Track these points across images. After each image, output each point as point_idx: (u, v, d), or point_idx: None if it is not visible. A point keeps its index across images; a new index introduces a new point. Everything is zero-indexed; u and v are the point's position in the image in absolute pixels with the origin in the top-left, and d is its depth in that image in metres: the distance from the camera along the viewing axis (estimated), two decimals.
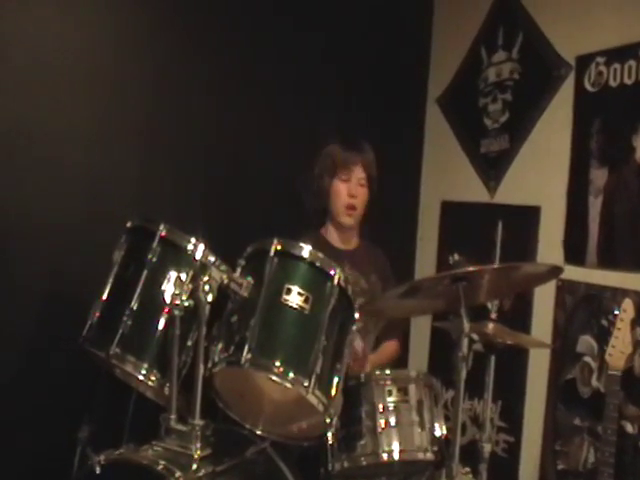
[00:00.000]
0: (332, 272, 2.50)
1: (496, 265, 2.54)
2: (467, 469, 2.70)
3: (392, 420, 2.66)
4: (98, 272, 2.64)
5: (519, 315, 3.60)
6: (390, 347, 3.39)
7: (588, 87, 3.40)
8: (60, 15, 3.24)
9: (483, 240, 3.80)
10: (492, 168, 3.91)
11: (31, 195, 3.16)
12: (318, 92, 3.85)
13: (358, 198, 3.26)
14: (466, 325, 2.42)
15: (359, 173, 3.25)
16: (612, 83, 3.28)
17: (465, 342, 2.42)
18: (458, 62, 4.16)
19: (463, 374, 2.41)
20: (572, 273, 3.33)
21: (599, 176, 3.32)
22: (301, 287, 2.45)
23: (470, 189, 4.02)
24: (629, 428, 3.03)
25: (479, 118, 3.99)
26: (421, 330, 3.70)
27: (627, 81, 3.20)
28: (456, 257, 2.50)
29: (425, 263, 4.20)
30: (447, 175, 4.21)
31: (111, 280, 2.61)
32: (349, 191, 3.24)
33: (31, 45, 3.15)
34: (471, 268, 2.44)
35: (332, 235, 3.35)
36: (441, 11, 4.33)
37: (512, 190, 3.81)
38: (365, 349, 3.12)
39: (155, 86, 3.46)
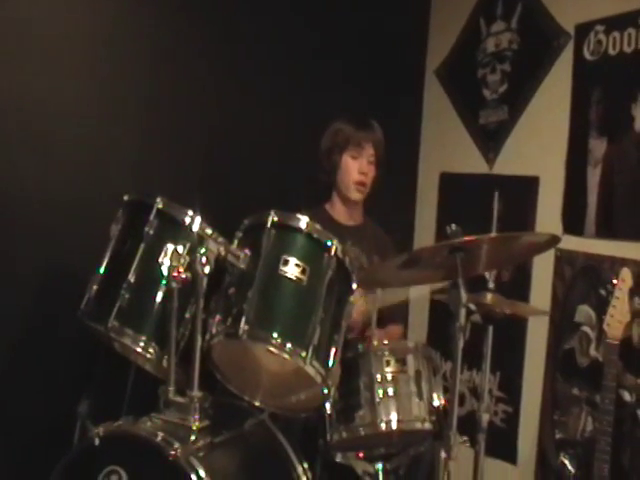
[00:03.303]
0: (329, 243, 2.51)
1: (493, 235, 2.53)
2: (465, 438, 2.71)
3: (390, 390, 2.68)
4: (96, 246, 2.65)
5: (518, 286, 3.61)
6: (395, 330, 3.41)
7: (587, 56, 3.38)
8: None
9: (482, 211, 3.81)
10: (491, 139, 3.90)
11: (29, 171, 3.14)
12: (316, 67, 3.83)
13: (368, 175, 3.30)
14: (463, 295, 2.41)
15: (369, 150, 3.29)
16: (611, 52, 3.27)
17: (463, 312, 2.40)
18: (457, 33, 4.13)
19: (460, 344, 2.40)
20: (571, 243, 3.34)
21: (598, 146, 3.32)
22: (298, 258, 2.46)
23: (469, 160, 4.01)
24: (627, 397, 3.04)
25: (478, 89, 3.97)
26: (420, 302, 3.71)
27: (626, 49, 3.19)
28: (453, 227, 2.48)
29: (424, 235, 4.20)
30: (446, 147, 4.20)
31: (109, 254, 2.62)
32: (360, 168, 3.28)
33: (27, 22, 3.12)
34: (468, 238, 2.43)
35: (337, 210, 3.37)
36: None
37: (511, 161, 3.81)
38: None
39: (153, 62, 3.43)
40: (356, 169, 3.28)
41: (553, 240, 2.66)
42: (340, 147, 3.28)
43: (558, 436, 3.39)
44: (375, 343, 2.80)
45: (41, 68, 3.16)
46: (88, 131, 3.27)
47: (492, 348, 2.99)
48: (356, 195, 3.31)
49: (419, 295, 3.71)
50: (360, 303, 2.99)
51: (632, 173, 3.18)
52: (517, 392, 3.65)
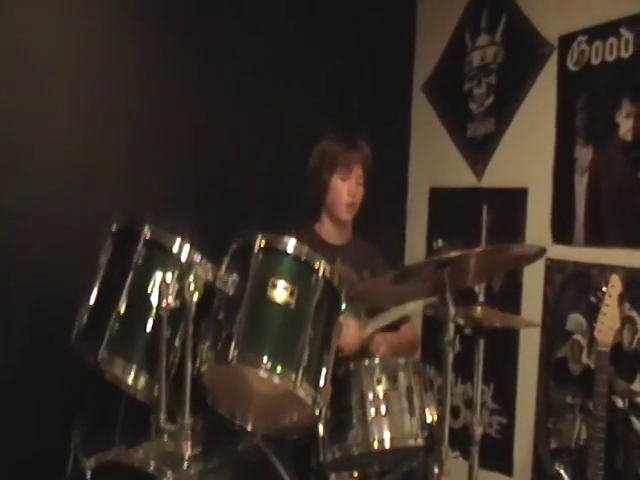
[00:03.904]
0: (317, 264, 2.53)
1: (478, 249, 2.56)
2: (456, 453, 2.73)
3: (382, 408, 2.69)
4: (86, 276, 2.67)
5: (509, 296, 3.63)
6: (409, 329, 3.39)
7: (571, 66, 3.42)
8: (47, 15, 3.28)
9: (472, 224, 3.82)
10: (479, 152, 3.93)
11: (18, 198, 3.19)
12: (303, 83, 3.86)
13: (357, 196, 3.29)
14: (451, 310, 2.43)
15: (358, 172, 3.27)
16: (594, 61, 3.30)
17: (451, 327, 2.43)
18: (442, 47, 4.17)
19: (450, 358, 2.43)
20: (560, 252, 3.37)
21: (584, 154, 3.34)
22: (286, 281, 2.48)
23: (458, 174, 4.03)
24: (619, 403, 3.06)
25: (465, 102, 4.01)
26: (413, 316, 3.72)
27: (608, 58, 3.23)
28: (440, 243, 2.52)
29: (415, 249, 4.21)
30: (435, 161, 4.23)
31: (98, 284, 2.64)
32: (349, 190, 3.26)
33: (18, 46, 3.19)
34: (454, 253, 2.45)
35: (326, 230, 3.36)
36: None
37: (499, 173, 3.83)
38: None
39: (143, 85, 3.48)
40: (345, 191, 3.26)
41: (540, 252, 2.69)
42: (328, 168, 3.26)
43: (553, 445, 3.40)
44: (366, 362, 2.83)
45: (31, 92, 3.21)
46: (77, 157, 3.33)
47: (485, 359, 3.01)
48: (346, 216, 3.31)
49: (412, 309, 3.73)
50: (353, 332, 3.00)
51: (618, 180, 3.20)
52: (511, 403, 3.66)
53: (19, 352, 3.20)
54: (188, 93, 3.60)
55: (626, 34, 3.14)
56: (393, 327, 3.32)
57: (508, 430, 3.68)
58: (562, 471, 3.04)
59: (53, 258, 3.23)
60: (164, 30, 3.54)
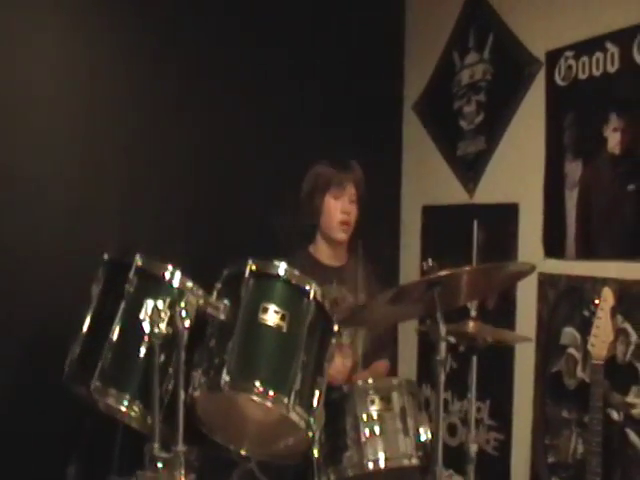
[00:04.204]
0: (307, 288, 2.54)
1: (467, 268, 2.57)
2: (450, 472, 2.74)
3: (376, 429, 2.70)
4: (79, 306, 2.69)
5: (503, 312, 3.64)
6: (380, 367, 3.39)
7: (559, 82, 3.44)
8: (35, 37, 3.36)
9: (464, 241, 3.85)
10: (470, 169, 3.95)
11: (11, 229, 3.23)
12: (294, 105, 3.91)
13: (351, 214, 3.32)
14: (442, 329, 2.45)
15: (351, 190, 3.31)
16: (581, 76, 3.32)
17: (443, 346, 2.45)
18: (432, 67, 4.20)
19: (442, 378, 2.45)
20: (552, 266, 3.38)
21: (574, 169, 3.36)
22: (277, 305, 2.50)
23: (450, 192, 4.06)
24: (615, 415, 3.05)
25: (455, 121, 4.04)
26: (408, 334, 3.74)
27: (595, 73, 3.25)
28: (430, 263, 2.52)
29: (409, 268, 4.24)
30: (427, 179, 4.25)
31: (90, 314, 2.66)
32: (343, 208, 3.30)
33: (6, 79, 3.25)
34: (443, 273, 2.46)
35: (322, 252, 3.39)
36: (412, 18, 4.38)
37: (490, 189, 3.85)
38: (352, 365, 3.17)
39: (134, 117, 3.54)
40: (339, 209, 3.29)
41: (530, 269, 2.71)
42: (321, 189, 3.30)
43: (550, 460, 3.39)
44: (359, 383, 2.84)
45: (21, 126, 3.27)
46: (70, 189, 3.39)
47: (481, 376, 3.02)
48: (340, 235, 3.33)
49: (407, 327, 3.74)
50: (338, 362, 3.01)
51: (607, 193, 3.21)
52: (508, 419, 3.66)
53: (13, 386, 3.21)
54: (182, 122, 3.65)
55: (612, 48, 3.16)
56: (365, 363, 3.34)
57: (505, 446, 3.68)
58: None
59: (45, 289, 3.26)
60: (155, 56, 3.61)
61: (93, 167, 3.44)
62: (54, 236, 3.32)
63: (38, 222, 3.29)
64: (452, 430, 3.86)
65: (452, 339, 2.69)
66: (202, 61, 3.72)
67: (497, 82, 3.82)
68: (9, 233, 3.24)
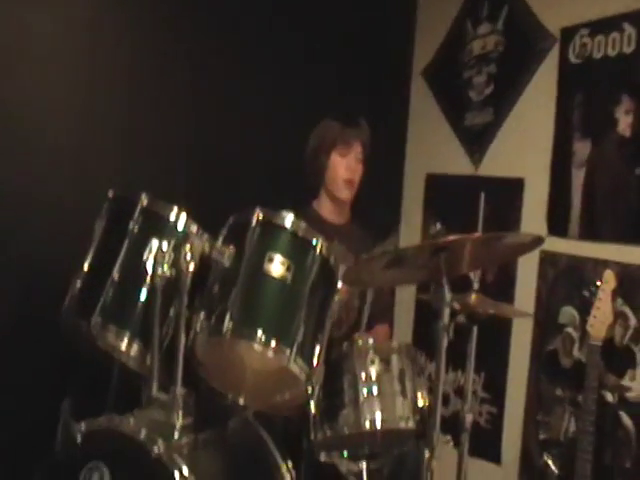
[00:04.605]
0: (314, 241, 2.50)
1: (476, 234, 2.53)
2: (448, 437, 2.71)
3: (374, 390, 2.66)
4: (80, 243, 2.63)
5: (502, 287, 3.61)
6: (382, 330, 3.40)
7: (572, 59, 3.40)
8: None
9: (467, 212, 3.81)
10: (476, 141, 3.92)
11: (11, 169, 3.15)
12: (302, 69, 3.84)
13: (356, 173, 3.30)
14: (447, 295, 2.40)
15: (357, 148, 3.30)
16: (596, 55, 3.29)
17: (446, 312, 2.40)
18: (443, 35, 4.15)
19: (444, 344, 2.40)
20: (554, 244, 3.35)
21: (582, 148, 3.33)
22: (283, 256, 2.45)
23: (454, 162, 4.02)
24: (609, 397, 3.06)
25: (464, 91, 3.99)
26: (405, 303, 3.71)
27: (610, 53, 3.22)
28: (437, 227, 2.49)
29: (410, 236, 4.18)
30: (432, 148, 4.21)
31: (92, 250, 2.61)
32: (348, 166, 3.28)
33: (10, 26, 3.15)
34: (451, 238, 2.42)
35: (325, 208, 3.37)
36: None
37: (496, 162, 3.82)
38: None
39: (136, 58, 3.45)
40: (344, 167, 3.28)
41: (537, 241, 2.66)
42: (328, 145, 3.28)
43: (542, 436, 3.40)
44: (359, 342, 2.81)
45: (23, 71, 3.18)
46: (72, 129, 3.29)
47: (476, 349, 3.01)
48: (345, 193, 3.32)
49: (404, 295, 3.72)
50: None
51: (614, 175, 3.20)
52: (501, 392, 3.66)
53: (11, 320, 3.17)
54: (186, 70, 3.57)
55: (629, 29, 3.13)
56: (368, 326, 3.30)
57: (497, 419, 3.68)
58: (550, 462, 3.04)
59: (47, 227, 3.19)
60: (160, 11, 3.51)
61: (94, 105, 3.36)
62: (55, 173, 3.24)
63: (35, 160, 3.21)
64: (445, 400, 3.83)
65: (456, 305, 2.67)
66: (209, 15, 3.63)
67: (509, 55, 3.77)
68: (9, 170, 3.16)
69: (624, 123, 3.13)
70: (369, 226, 3.46)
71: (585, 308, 3.12)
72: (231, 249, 2.47)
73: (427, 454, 2.40)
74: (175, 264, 2.41)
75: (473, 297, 2.98)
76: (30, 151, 3.19)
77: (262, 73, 3.74)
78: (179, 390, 2.38)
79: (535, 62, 3.59)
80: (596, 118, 3.29)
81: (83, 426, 2.33)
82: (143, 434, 2.30)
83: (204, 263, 2.47)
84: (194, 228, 2.54)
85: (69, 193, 3.24)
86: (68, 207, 3.21)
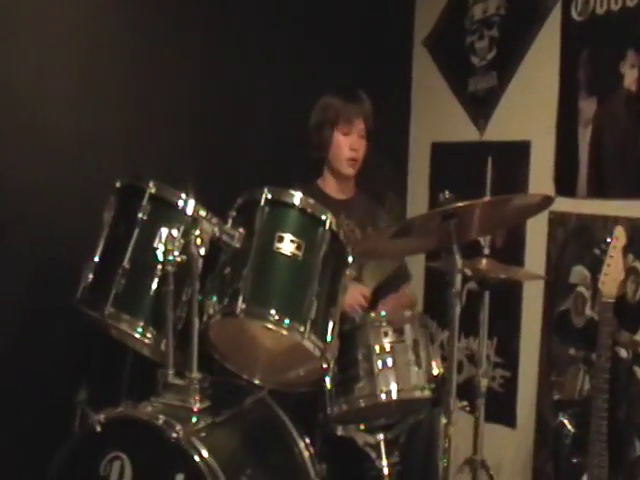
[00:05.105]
0: (323, 217, 2.53)
1: (485, 199, 2.54)
2: (464, 403, 2.75)
3: (389, 361, 2.71)
4: (90, 234, 2.66)
5: (512, 251, 3.61)
6: (406, 292, 3.43)
7: (575, 17, 3.37)
8: None
9: (474, 178, 3.79)
10: (481, 106, 3.89)
11: (19, 160, 3.15)
12: (303, 40, 3.82)
13: (359, 150, 3.30)
14: (458, 261, 2.41)
15: (360, 125, 3.29)
16: (599, 10, 3.26)
17: (458, 278, 2.41)
18: (444, 1, 4.11)
19: (457, 310, 2.42)
20: (563, 205, 3.33)
21: (588, 106, 3.31)
22: (293, 234, 2.48)
23: (460, 129, 4.00)
24: (623, 353, 3.07)
25: (466, 57, 3.96)
26: (415, 272, 3.70)
27: (614, 7, 3.18)
28: (446, 194, 2.49)
29: (417, 204, 4.20)
30: (436, 116, 4.19)
31: (103, 241, 2.63)
32: (351, 144, 3.28)
33: (12, 4, 3.14)
34: (460, 204, 2.43)
35: (329, 184, 3.38)
36: None
37: (501, 127, 3.80)
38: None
39: (141, 39, 3.44)
40: (347, 145, 3.28)
41: (546, 201, 2.66)
42: (330, 122, 3.27)
43: (556, 397, 3.41)
44: (372, 314, 2.84)
45: (25, 52, 3.15)
46: (76, 116, 3.27)
47: (488, 313, 3.03)
48: (348, 170, 3.32)
49: (414, 263, 3.72)
50: (354, 291, 3.01)
51: (621, 131, 3.18)
52: (514, 356, 3.67)
53: (26, 311, 3.18)
54: (187, 53, 3.55)
55: None
56: (394, 287, 3.35)
57: (511, 383, 3.69)
58: (566, 421, 3.06)
59: (55, 216, 3.19)
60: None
61: (96, 90, 3.34)
62: (60, 165, 3.23)
63: (42, 150, 3.19)
64: (458, 367, 3.84)
65: (468, 271, 2.69)
66: None
67: (511, 17, 3.74)
68: (14, 164, 3.15)
69: (630, 78, 3.10)
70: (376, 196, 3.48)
71: (596, 266, 3.11)
72: (241, 231, 2.50)
73: (444, 420, 2.44)
74: (186, 249, 2.42)
75: (484, 262, 3.01)
76: (36, 143, 3.18)
77: (263, 48, 3.71)
78: (195, 374, 2.41)
79: (538, 22, 3.56)
80: (601, 75, 3.26)
81: (101, 416, 2.35)
82: (161, 420, 2.32)
83: (214, 246, 2.49)
84: (203, 212, 2.55)
85: (76, 181, 3.23)
86: (76, 196, 3.21)
